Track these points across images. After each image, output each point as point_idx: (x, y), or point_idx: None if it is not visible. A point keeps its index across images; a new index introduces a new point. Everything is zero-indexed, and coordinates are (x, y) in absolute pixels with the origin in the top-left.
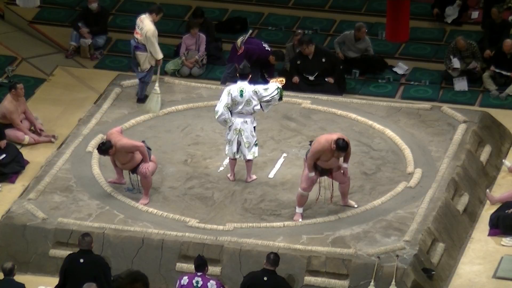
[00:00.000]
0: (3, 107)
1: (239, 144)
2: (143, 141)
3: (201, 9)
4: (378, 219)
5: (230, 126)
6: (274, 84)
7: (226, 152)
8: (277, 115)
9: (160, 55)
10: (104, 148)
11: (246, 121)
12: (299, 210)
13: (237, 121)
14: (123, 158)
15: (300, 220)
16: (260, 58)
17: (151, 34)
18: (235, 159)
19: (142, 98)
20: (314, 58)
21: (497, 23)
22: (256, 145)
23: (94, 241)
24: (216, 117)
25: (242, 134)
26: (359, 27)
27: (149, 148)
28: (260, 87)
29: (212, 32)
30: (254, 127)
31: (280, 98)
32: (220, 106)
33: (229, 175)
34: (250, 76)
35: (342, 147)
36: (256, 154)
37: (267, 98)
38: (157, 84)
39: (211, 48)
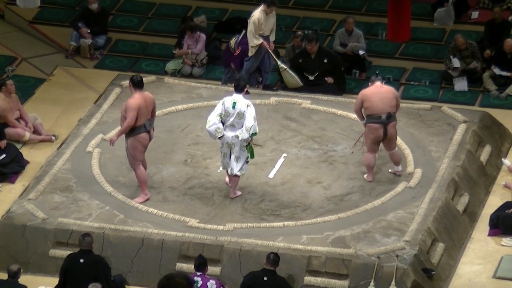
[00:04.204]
0: None
1: (230, 157)
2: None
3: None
4: (378, 219)
5: (222, 141)
6: (253, 129)
7: (221, 164)
8: (277, 115)
9: (251, 43)
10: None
11: (237, 136)
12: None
13: (228, 135)
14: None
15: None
16: None
17: (252, 20)
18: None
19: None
20: (317, 58)
21: (497, 23)
22: (247, 162)
23: (94, 241)
24: (207, 126)
25: (233, 148)
26: (345, 19)
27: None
28: (251, 111)
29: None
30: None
31: (248, 145)
32: (213, 116)
33: (227, 180)
34: (246, 89)
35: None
36: (244, 172)
37: (246, 125)
38: (279, 62)
39: (210, 48)
